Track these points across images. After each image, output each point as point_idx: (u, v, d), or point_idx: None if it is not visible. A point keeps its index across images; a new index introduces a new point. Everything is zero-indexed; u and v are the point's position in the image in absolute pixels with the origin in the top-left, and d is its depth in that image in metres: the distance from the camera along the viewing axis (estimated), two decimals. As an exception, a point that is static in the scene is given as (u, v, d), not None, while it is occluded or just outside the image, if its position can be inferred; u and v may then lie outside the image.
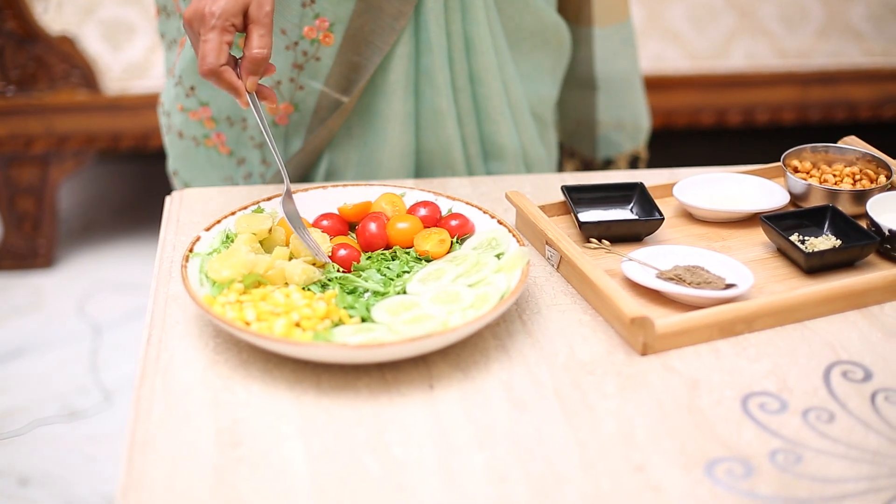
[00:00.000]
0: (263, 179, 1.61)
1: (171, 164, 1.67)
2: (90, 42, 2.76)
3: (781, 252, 1.31)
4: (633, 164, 1.89)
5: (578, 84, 1.79)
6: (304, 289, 1.19)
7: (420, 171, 1.60)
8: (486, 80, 1.54)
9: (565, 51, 1.68)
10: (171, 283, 1.26)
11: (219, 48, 1.26)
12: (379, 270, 1.24)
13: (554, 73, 1.68)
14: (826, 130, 3.29)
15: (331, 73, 1.49)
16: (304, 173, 1.58)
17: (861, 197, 1.37)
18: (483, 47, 1.52)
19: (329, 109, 1.51)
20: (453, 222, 1.31)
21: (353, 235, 1.33)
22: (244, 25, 1.26)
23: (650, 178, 1.51)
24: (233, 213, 1.30)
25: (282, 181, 1.58)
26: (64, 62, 2.77)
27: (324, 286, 1.21)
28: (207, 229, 1.27)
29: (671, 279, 1.21)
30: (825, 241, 1.30)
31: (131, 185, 3.44)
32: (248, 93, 1.28)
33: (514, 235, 1.26)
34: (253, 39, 1.26)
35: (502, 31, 1.56)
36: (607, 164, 1.86)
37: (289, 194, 1.29)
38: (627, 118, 1.84)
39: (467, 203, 1.34)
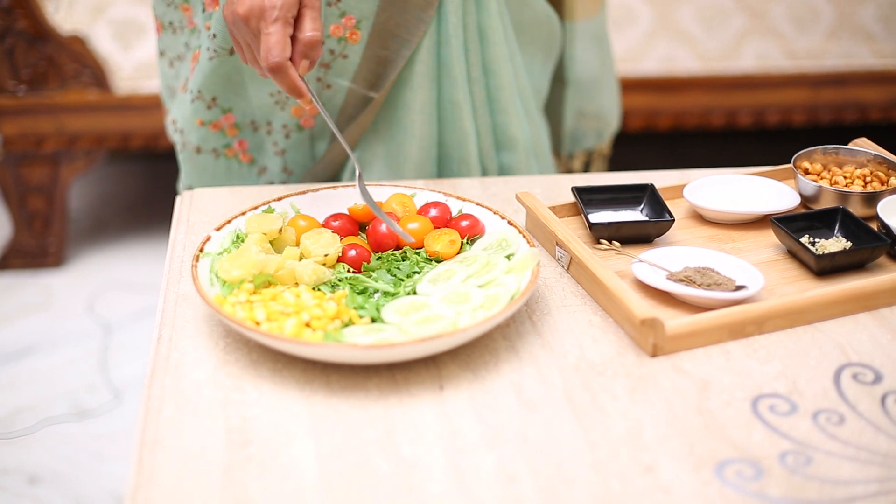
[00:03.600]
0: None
1: (185, 181, 1.64)
2: (101, 41, 2.77)
3: (792, 254, 1.31)
4: (588, 164, 1.89)
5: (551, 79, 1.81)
6: (314, 289, 1.20)
7: (438, 164, 1.60)
8: (498, 71, 1.55)
9: (556, 44, 1.70)
10: (181, 282, 1.26)
11: (283, 40, 1.24)
12: (389, 271, 1.24)
13: (545, 66, 1.70)
14: (837, 132, 3.29)
15: (358, 69, 1.49)
16: (334, 172, 1.58)
17: (872, 199, 1.37)
18: (496, 38, 1.53)
19: (357, 106, 1.51)
20: (464, 223, 1.31)
21: (364, 236, 1.33)
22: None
23: (660, 179, 1.51)
24: (243, 213, 1.31)
25: (316, 178, 1.58)
26: (75, 61, 2.77)
27: (334, 286, 1.21)
28: (218, 229, 1.27)
29: (681, 280, 1.21)
30: (836, 243, 1.30)
31: (142, 184, 3.44)
32: (302, 77, 1.27)
33: (524, 236, 1.26)
34: (306, 22, 1.25)
35: (511, 23, 1.57)
36: (569, 160, 1.87)
37: (360, 178, 1.31)
38: (593, 114, 1.85)
39: (478, 204, 1.34)
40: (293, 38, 1.26)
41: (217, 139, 1.57)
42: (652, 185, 1.40)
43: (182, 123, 1.59)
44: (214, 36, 1.46)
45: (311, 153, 1.58)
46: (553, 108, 1.83)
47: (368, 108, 1.51)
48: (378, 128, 1.55)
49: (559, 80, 1.80)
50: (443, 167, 1.60)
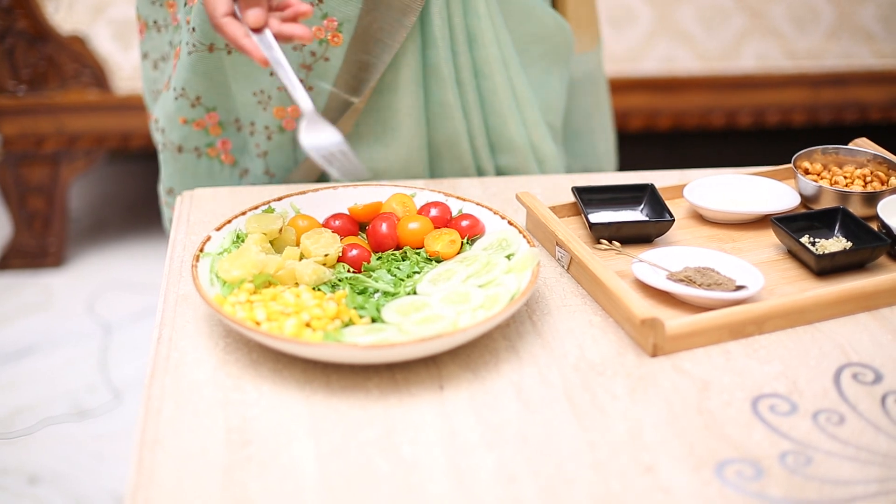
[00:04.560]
0: None
1: (166, 182, 1.62)
2: (101, 41, 2.77)
3: (792, 254, 1.31)
4: None
5: None
6: (314, 289, 1.20)
7: (429, 164, 1.59)
8: (489, 73, 1.53)
9: (570, 54, 1.66)
10: (181, 282, 1.26)
11: (214, 1, 1.23)
12: (389, 271, 1.24)
13: (561, 79, 1.66)
14: (837, 132, 3.29)
15: (340, 73, 1.48)
16: (315, 176, 1.57)
17: (872, 199, 1.37)
18: (485, 41, 1.51)
19: (338, 111, 1.50)
20: (464, 223, 1.31)
21: (364, 236, 1.33)
22: None
23: (660, 179, 1.51)
24: (243, 213, 1.31)
25: (297, 181, 1.57)
26: (75, 61, 2.77)
27: (334, 286, 1.21)
28: (218, 229, 1.27)
29: (681, 280, 1.21)
30: (836, 243, 1.30)
31: (142, 184, 3.44)
32: (256, 29, 1.23)
33: (524, 236, 1.26)
34: None
35: (508, 31, 1.55)
36: None
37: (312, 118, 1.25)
38: (583, 159, 1.79)
39: (478, 204, 1.34)
40: None
41: (200, 138, 1.56)
42: (652, 185, 1.40)
43: (164, 122, 1.57)
44: (194, 30, 1.44)
45: (293, 156, 1.57)
46: None
47: (348, 114, 1.50)
48: (362, 133, 1.54)
49: None
50: (435, 167, 1.59)
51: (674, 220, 1.33)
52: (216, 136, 1.56)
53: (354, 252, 1.25)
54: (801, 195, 1.42)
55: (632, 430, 1.03)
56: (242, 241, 1.27)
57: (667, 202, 1.39)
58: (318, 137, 1.24)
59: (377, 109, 1.52)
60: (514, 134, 1.58)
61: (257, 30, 1.24)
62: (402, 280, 1.23)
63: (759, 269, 1.25)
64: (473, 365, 1.12)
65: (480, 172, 1.60)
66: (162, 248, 2.94)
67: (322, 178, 1.58)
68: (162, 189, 1.65)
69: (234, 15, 1.25)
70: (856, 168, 1.45)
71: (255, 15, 1.23)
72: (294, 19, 1.27)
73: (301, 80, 1.48)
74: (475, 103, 1.55)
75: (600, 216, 1.38)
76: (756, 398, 1.07)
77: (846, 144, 1.50)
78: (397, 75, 1.49)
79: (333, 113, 1.51)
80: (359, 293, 1.21)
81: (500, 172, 1.62)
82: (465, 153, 1.57)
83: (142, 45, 1.63)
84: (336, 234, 1.27)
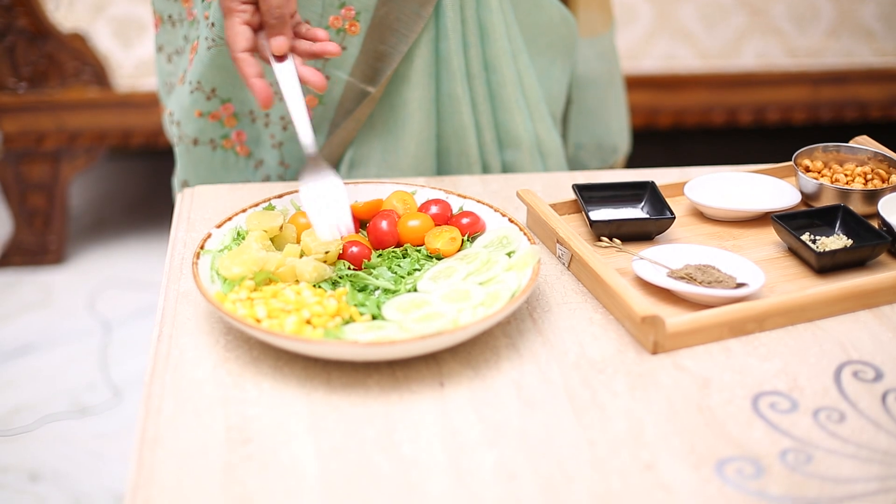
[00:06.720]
0: (283, 181, 1.60)
1: (181, 175, 1.63)
2: (101, 39, 2.76)
3: (792, 251, 1.31)
4: None
5: None
6: (314, 286, 1.19)
7: (436, 158, 1.59)
8: (499, 67, 1.54)
9: (574, 46, 1.67)
10: (181, 280, 1.26)
11: (234, 34, 1.26)
12: (390, 268, 1.24)
13: (564, 70, 1.67)
14: (837, 130, 3.29)
15: (357, 62, 1.48)
16: (331, 166, 1.57)
17: (872, 196, 1.37)
18: (496, 35, 1.52)
19: (354, 100, 1.51)
20: (464, 220, 1.31)
21: (364, 233, 1.33)
22: None
23: (661, 176, 1.51)
24: (244, 211, 1.30)
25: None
26: (75, 59, 2.77)
27: (334, 284, 1.21)
28: (218, 226, 1.27)
29: (682, 278, 1.21)
30: (836, 241, 1.30)
31: (142, 181, 3.44)
32: (279, 57, 1.26)
33: (525, 234, 1.26)
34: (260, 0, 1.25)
35: (517, 22, 1.56)
36: None
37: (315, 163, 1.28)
38: (596, 137, 1.81)
39: (478, 201, 1.34)
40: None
41: (215, 130, 1.57)
42: (653, 182, 1.40)
43: (179, 115, 1.57)
44: (213, 25, 1.45)
45: None
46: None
47: (365, 103, 1.50)
48: (374, 123, 1.54)
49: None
50: (442, 161, 1.59)
51: (674, 218, 1.33)
52: (231, 128, 1.56)
53: (355, 249, 1.25)
54: (801, 193, 1.42)
55: (632, 427, 1.03)
56: (243, 238, 1.27)
57: (667, 199, 1.39)
58: (317, 184, 1.28)
59: (390, 101, 1.52)
60: (521, 129, 1.59)
61: (281, 57, 1.27)
62: (403, 277, 1.23)
63: (759, 266, 1.25)
64: (474, 362, 1.12)
65: (486, 167, 1.60)
66: (162, 246, 2.94)
67: (335, 170, 1.58)
68: (176, 181, 1.65)
69: (251, 51, 1.27)
70: (856, 166, 1.45)
71: (279, 43, 1.26)
72: (319, 56, 1.31)
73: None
74: (484, 97, 1.55)
75: (601, 213, 1.38)
76: (756, 396, 1.07)
77: (847, 142, 1.50)
78: (410, 66, 1.49)
79: (350, 103, 1.51)
80: (359, 290, 1.21)
81: (505, 168, 1.62)
82: (471, 147, 1.57)
83: (157, 38, 1.64)
84: (336, 232, 1.27)
